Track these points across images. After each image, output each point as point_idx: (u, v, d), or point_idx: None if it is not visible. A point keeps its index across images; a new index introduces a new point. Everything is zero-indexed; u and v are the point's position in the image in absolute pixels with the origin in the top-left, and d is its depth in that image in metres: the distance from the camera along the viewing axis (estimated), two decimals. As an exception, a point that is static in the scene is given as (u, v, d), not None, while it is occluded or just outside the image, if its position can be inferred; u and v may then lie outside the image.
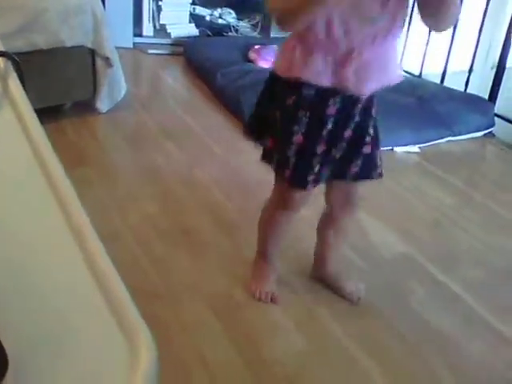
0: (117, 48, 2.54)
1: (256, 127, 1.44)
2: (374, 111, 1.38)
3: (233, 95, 2.72)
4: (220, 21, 3.68)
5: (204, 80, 3.02)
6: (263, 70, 2.96)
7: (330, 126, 1.32)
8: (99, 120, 2.51)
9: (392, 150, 2.49)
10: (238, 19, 3.72)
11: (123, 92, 2.57)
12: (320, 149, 1.34)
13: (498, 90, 2.98)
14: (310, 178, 1.36)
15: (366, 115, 1.35)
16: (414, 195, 2.18)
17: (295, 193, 1.43)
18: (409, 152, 2.51)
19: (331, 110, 1.31)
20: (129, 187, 2.05)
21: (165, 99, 2.83)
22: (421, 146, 2.54)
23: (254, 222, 1.60)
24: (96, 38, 2.43)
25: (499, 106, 2.96)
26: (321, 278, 1.65)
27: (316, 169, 1.35)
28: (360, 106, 1.32)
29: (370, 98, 1.35)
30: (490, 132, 2.79)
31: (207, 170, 2.19)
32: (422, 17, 1.20)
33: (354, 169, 1.40)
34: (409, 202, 2.12)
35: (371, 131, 1.38)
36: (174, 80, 3.14)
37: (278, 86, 1.34)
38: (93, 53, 2.46)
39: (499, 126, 2.87)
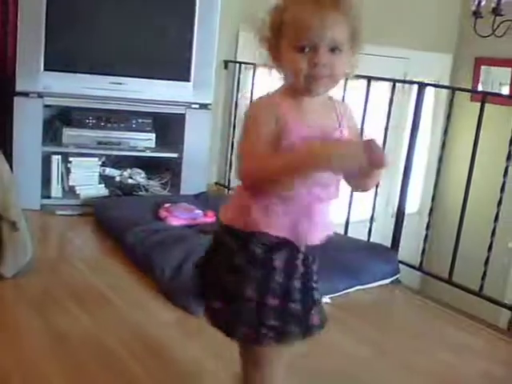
0: (24, 210, 2.51)
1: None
2: (315, 262, 1.45)
3: (144, 254, 2.71)
4: (130, 181, 3.74)
5: (114, 240, 3.01)
6: (174, 227, 3.00)
7: (280, 278, 1.36)
8: (3, 285, 2.41)
9: (304, 301, 2.51)
10: (148, 178, 3.80)
11: (29, 256, 2.51)
12: (274, 302, 1.35)
13: (400, 237, 3.14)
14: (269, 333, 1.35)
15: (308, 265, 1.41)
16: (326, 346, 2.17)
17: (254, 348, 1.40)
18: (320, 303, 2.54)
19: (278, 262, 1.35)
20: (34, 358, 1.93)
21: (73, 262, 2.77)
22: (331, 296, 2.58)
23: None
24: (2, 203, 2.40)
25: (402, 253, 3.10)
26: None
27: (271, 322, 1.34)
28: (301, 257, 1.39)
29: (314, 253, 1.43)
30: (396, 279, 2.89)
31: (119, 336, 2.11)
32: (350, 186, 1.42)
33: (316, 317, 1.42)
34: (323, 355, 2.11)
35: (315, 278, 1.44)
36: (84, 241, 3.11)
37: (228, 241, 1.39)
38: (-2, 217, 2.42)
39: (404, 272, 2.99)
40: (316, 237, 1.40)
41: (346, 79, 1.52)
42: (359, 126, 1.47)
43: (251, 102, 1.42)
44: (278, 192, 1.31)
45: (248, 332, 1.35)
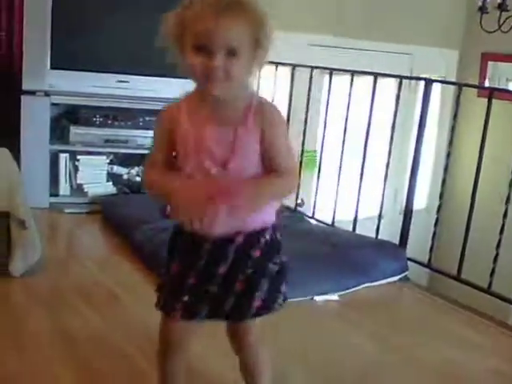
0: (33, 208, 2.53)
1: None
2: (257, 253, 1.45)
3: (151, 252, 2.71)
4: (137, 178, 3.74)
5: (122, 238, 3.02)
6: (181, 225, 3.01)
7: (203, 260, 1.44)
8: (12, 284, 2.42)
9: (312, 299, 2.52)
10: (155, 176, 3.80)
11: (38, 254, 2.52)
12: (191, 280, 1.45)
13: (408, 234, 3.13)
14: (178, 306, 1.45)
15: (243, 255, 1.44)
16: (336, 344, 2.17)
17: (164, 321, 1.51)
18: (329, 300, 2.54)
19: (206, 246, 1.44)
20: (43, 356, 1.94)
21: (82, 260, 2.79)
22: (340, 293, 2.58)
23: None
24: (11, 202, 2.41)
25: (410, 249, 3.09)
26: None
27: (185, 298, 1.45)
28: (234, 245, 1.44)
29: (252, 241, 1.45)
30: (405, 276, 2.89)
31: (127, 334, 2.11)
32: None
33: (228, 307, 1.46)
34: (332, 352, 2.11)
35: (248, 271, 1.44)
36: (92, 239, 3.12)
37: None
38: (7, 215, 2.42)
39: (413, 269, 2.99)
40: (218, 229, 1.41)
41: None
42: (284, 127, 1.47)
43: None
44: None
45: (163, 300, 1.51)
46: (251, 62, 1.36)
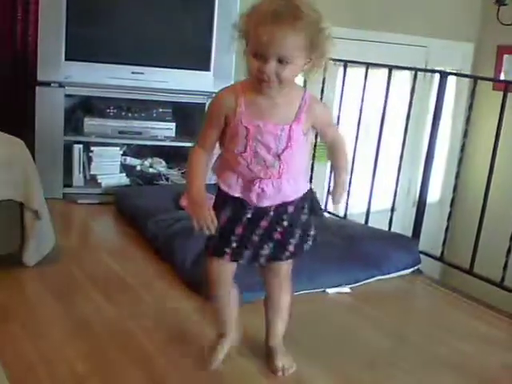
0: (46, 199, 2.54)
1: None
2: (291, 208, 1.72)
3: (165, 243, 2.73)
4: (151, 170, 3.76)
5: (136, 228, 3.03)
6: (194, 216, 3.01)
7: (248, 215, 1.70)
8: (26, 274, 2.44)
9: (324, 291, 2.52)
10: (169, 168, 3.82)
11: (52, 244, 2.54)
12: (238, 230, 1.71)
13: (421, 227, 3.12)
14: (227, 250, 1.73)
15: (280, 212, 1.71)
16: (348, 336, 2.17)
17: (216, 264, 1.77)
18: (340, 293, 2.54)
19: (251, 207, 1.70)
20: (57, 344, 1.96)
21: (95, 250, 2.80)
22: (352, 286, 2.58)
23: (191, 379, 1.55)
24: (25, 192, 2.43)
25: (423, 243, 3.08)
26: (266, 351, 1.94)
27: (234, 244, 1.72)
28: (273, 206, 1.70)
29: (287, 203, 1.71)
30: (417, 269, 2.88)
31: (140, 323, 2.13)
32: None
33: (266, 251, 1.74)
34: (343, 344, 2.11)
35: (284, 223, 1.73)
36: (105, 230, 3.14)
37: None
38: (21, 206, 2.44)
39: (425, 263, 2.98)
40: (266, 203, 1.69)
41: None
42: (333, 118, 1.84)
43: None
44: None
45: (213, 246, 1.76)
46: (305, 65, 1.57)
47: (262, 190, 1.66)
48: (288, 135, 1.62)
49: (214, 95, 1.72)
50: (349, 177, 1.80)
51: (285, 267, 1.83)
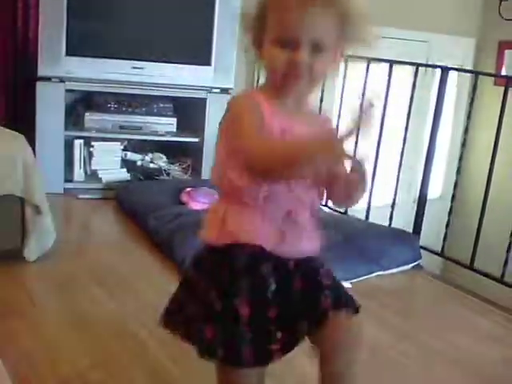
0: (47, 194, 2.54)
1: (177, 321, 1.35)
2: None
3: (165, 238, 2.73)
4: (151, 165, 3.76)
5: (136, 223, 3.03)
6: (195, 212, 3.02)
7: (273, 284, 1.23)
8: (27, 269, 2.44)
9: (325, 286, 2.52)
10: (169, 163, 3.82)
11: (53, 239, 2.54)
12: (271, 314, 1.22)
13: (422, 222, 3.12)
14: (274, 347, 1.22)
15: (306, 260, 1.31)
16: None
17: (242, 375, 1.25)
18: None
19: (264, 268, 1.24)
20: (59, 340, 1.96)
21: (96, 245, 2.81)
22: (352, 281, 2.58)
23: (192, 376, 1.54)
24: (26, 187, 2.43)
25: (424, 238, 3.08)
26: None
27: (278, 335, 1.22)
28: (291, 262, 1.28)
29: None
30: (417, 264, 2.88)
31: (141, 320, 2.13)
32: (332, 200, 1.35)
33: (327, 300, 1.26)
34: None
35: (321, 266, 1.34)
36: (106, 225, 3.14)
37: (209, 260, 1.30)
38: (22, 201, 2.44)
39: (426, 258, 2.98)
40: (305, 247, 1.29)
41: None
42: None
43: (230, 101, 1.27)
44: (282, 178, 1.22)
45: (253, 352, 1.20)
46: (333, 61, 1.27)
47: (300, 223, 1.26)
48: None
49: (231, 97, 1.30)
50: None
51: (353, 321, 1.31)
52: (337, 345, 1.27)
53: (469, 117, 3.01)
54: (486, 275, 2.79)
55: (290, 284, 1.26)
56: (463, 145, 3.04)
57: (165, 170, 3.75)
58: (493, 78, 4.57)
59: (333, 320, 1.25)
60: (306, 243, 1.30)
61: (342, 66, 1.29)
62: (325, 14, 1.19)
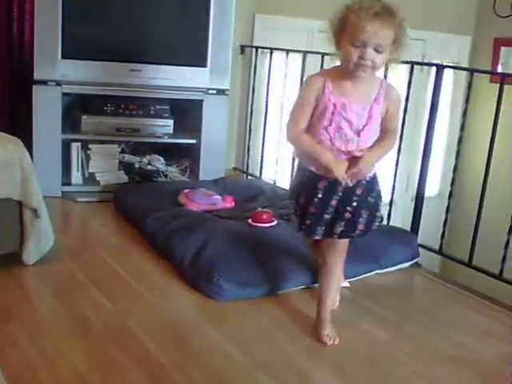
0: (45, 197, 2.54)
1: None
2: (359, 190, 1.99)
3: (164, 240, 2.73)
4: (149, 167, 3.76)
5: (134, 226, 3.04)
6: (193, 213, 3.02)
7: (320, 194, 1.98)
8: (25, 273, 2.45)
9: (323, 286, 2.52)
10: (167, 165, 3.82)
11: (51, 243, 2.54)
12: (312, 209, 1.99)
13: (420, 220, 3.12)
14: (303, 226, 2.04)
15: (349, 192, 1.98)
16: (347, 330, 2.18)
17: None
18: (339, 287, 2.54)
19: (321, 185, 1.98)
20: (57, 343, 1.97)
21: (94, 248, 2.81)
22: (351, 280, 2.59)
23: (192, 379, 1.54)
24: (24, 191, 2.43)
25: (422, 236, 3.09)
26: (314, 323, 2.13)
27: (307, 222, 2.01)
28: (342, 186, 1.96)
29: (357, 182, 1.98)
30: (415, 262, 2.89)
31: (140, 321, 2.13)
32: None
33: (339, 228, 2.00)
34: (342, 338, 2.12)
35: (353, 204, 1.99)
36: (104, 227, 3.14)
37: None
38: (20, 204, 2.45)
39: (424, 256, 2.98)
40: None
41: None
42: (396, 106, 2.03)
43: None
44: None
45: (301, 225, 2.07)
46: (390, 56, 1.87)
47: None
48: (369, 114, 1.91)
49: (307, 77, 2.02)
50: (366, 169, 1.98)
51: (344, 243, 2.08)
52: (327, 255, 2.12)
53: (465, 114, 3.01)
54: (484, 272, 2.80)
55: (330, 200, 1.98)
56: (459, 142, 3.05)
57: (162, 172, 3.75)
58: (489, 76, 4.57)
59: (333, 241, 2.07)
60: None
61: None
62: (385, 26, 1.80)
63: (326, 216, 1.99)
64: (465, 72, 4.07)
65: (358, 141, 1.92)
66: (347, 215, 2.00)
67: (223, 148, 3.78)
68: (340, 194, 1.98)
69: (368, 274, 2.67)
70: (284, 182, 3.89)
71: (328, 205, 1.98)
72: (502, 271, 2.74)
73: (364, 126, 1.91)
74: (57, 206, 3.22)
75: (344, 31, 1.83)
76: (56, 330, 2.06)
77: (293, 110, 1.97)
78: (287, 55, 3.84)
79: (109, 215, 3.29)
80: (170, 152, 3.84)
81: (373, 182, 2.05)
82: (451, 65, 3.70)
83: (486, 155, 2.80)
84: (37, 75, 3.32)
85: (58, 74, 3.35)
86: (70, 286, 2.40)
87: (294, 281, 2.47)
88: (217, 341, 2.04)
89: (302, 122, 1.94)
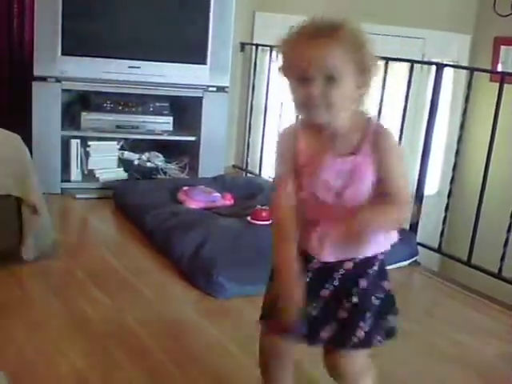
0: (44, 194, 2.54)
1: None
2: (364, 282, 1.40)
3: (163, 237, 2.73)
4: (148, 164, 3.76)
5: (134, 223, 3.03)
6: (192, 210, 3.02)
7: (308, 279, 1.39)
8: (24, 269, 2.44)
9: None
10: (166, 162, 3.82)
11: (50, 239, 2.54)
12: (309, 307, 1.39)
13: (419, 219, 3.12)
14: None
15: (348, 282, 1.39)
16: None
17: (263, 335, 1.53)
18: None
19: (312, 265, 1.40)
20: (56, 340, 1.96)
21: (93, 244, 2.81)
22: (350, 278, 2.58)
23: (191, 376, 1.54)
24: (23, 187, 2.43)
25: (421, 234, 3.09)
26: None
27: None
28: (341, 272, 1.39)
29: (361, 269, 1.40)
30: (415, 261, 2.89)
31: (139, 319, 2.13)
32: None
33: (327, 333, 1.40)
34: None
35: (354, 299, 1.39)
36: (103, 224, 3.14)
37: None
38: (19, 201, 2.44)
39: (423, 254, 2.99)
40: (329, 255, 1.38)
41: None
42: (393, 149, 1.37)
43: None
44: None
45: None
46: (358, 87, 1.31)
47: (324, 233, 1.35)
48: (350, 169, 1.33)
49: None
50: (358, 235, 1.33)
51: (357, 357, 1.46)
52: (329, 370, 1.49)
53: (465, 113, 3.01)
54: (483, 271, 2.80)
55: (321, 289, 1.41)
56: (459, 141, 3.05)
57: (162, 169, 3.75)
58: (488, 75, 4.57)
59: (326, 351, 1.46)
60: (330, 255, 1.39)
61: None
62: (329, 46, 1.26)
63: (312, 311, 1.40)
64: (465, 71, 4.08)
65: (339, 207, 1.34)
66: (341, 314, 1.40)
67: (223, 145, 3.78)
68: (337, 282, 1.40)
69: (367, 272, 2.66)
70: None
71: (317, 296, 1.40)
72: (500, 270, 2.75)
73: (346, 186, 1.33)
74: (56, 203, 3.22)
75: (286, 67, 1.33)
76: (54, 326, 2.06)
77: (275, 173, 1.46)
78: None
79: (108, 212, 3.29)
80: (170, 149, 3.84)
81: (381, 276, 1.45)
82: (451, 63, 3.71)
83: (486, 154, 2.80)
84: (36, 71, 3.32)
85: (58, 70, 3.34)
86: (68, 283, 2.40)
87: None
88: (216, 338, 2.04)
89: (287, 183, 1.39)
